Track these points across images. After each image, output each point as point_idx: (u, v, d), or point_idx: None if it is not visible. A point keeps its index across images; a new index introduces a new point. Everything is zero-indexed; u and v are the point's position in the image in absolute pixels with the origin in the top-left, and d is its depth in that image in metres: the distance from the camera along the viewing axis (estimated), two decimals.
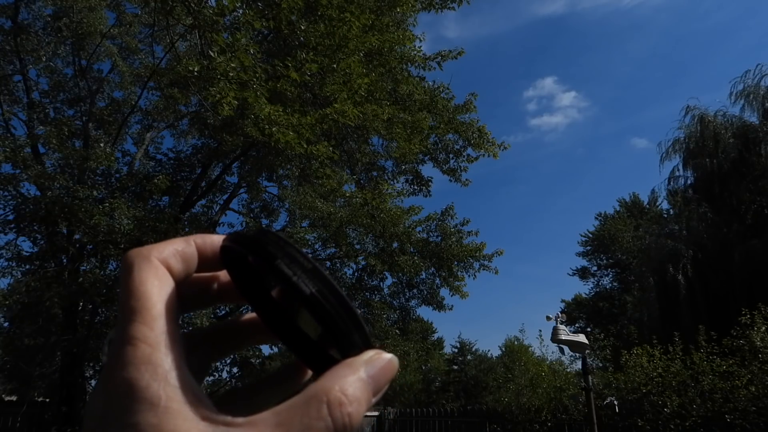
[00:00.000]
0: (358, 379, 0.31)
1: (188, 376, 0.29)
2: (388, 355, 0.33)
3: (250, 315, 0.41)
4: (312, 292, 0.32)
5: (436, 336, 35.63)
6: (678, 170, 19.82)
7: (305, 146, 6.75)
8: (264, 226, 14.94)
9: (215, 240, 0.36)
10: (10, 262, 11.58)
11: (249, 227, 13.53)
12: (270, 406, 0.42)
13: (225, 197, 14.92)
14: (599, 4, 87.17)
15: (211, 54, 5.80)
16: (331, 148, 7.46)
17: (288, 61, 6.33)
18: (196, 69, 5.93)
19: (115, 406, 0.27)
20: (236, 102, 6.05)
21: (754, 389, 9.27)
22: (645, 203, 33.93)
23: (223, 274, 0.39)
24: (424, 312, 38.58)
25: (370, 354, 0.33)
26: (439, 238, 14.01)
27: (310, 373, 0.41)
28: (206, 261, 0.36)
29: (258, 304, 0.38)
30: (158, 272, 0.32)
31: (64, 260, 11.67)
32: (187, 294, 0.36)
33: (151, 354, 0.28)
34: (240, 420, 0.28)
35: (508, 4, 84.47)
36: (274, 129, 6.33)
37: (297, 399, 0.29)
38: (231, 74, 5.82)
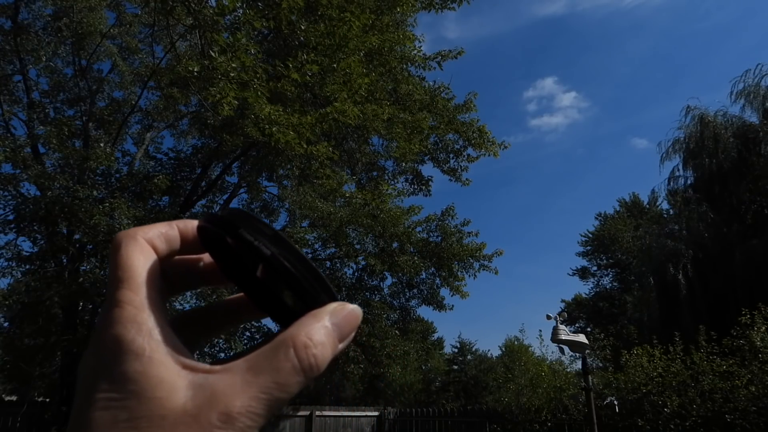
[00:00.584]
0: (322, 326, 0.33)
1: (170, 332, 0.32)
2: (351, 306, 0.36)
3: (236, 295, 0.44)
4: (273, 252, 0.34)
5: (436, 336, 35.63)
6: (678, 170, 19.84)
7: (305, 146, 6.75)
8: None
9: (195, 224, 0.39)
10: (10, 262, 11.60)
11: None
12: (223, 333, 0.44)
13: (225, 197, 14.93)
14: (599, 4, 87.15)
15: (212, 54, 5.79)
16: (331, 149, 7.46)
17: (289, 61, 6.33)
18: (196, 69, 5.92)
19: (105, 358, 0.30)
20: (236, 102, 6.05)
21: (754, 389, 9.27)
22: (645, 203, 33.95)
23: (207, 257, 0.42)
24: (424, 312, 38.56)
25: (334, 305, 0.35)
26: (440, 238, 14.02)
27: (253, 316, 0.44)
28: (188, 244, 0.39)
29: (243, 283, 0.41)
30: (143, 249, 0.35)
31: (64, 260, 11.67)
32: (174, 276, 0.40)
33: (136, 314, 0.31)
34: (217, 367, 0.31)
35: (508, 5, 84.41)
36: (274, 129, 6.33)
37: (266, 346, 0.32)
38: (232, 74, 5.82)
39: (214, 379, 0.30)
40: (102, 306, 0.33)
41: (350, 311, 0.36)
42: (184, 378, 0.30)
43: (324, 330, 0.33)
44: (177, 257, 0.40)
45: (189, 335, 0.41)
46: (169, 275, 0.38)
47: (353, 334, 0.36)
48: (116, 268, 0.34)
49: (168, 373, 0.30)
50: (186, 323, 0.42)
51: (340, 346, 0.35)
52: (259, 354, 0.31)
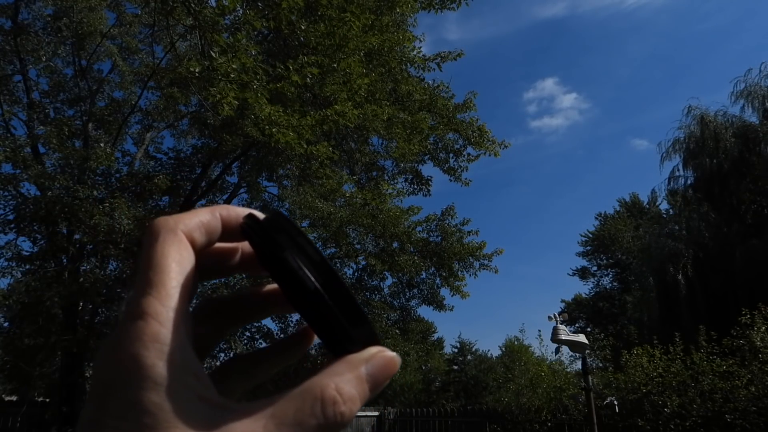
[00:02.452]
0: (356, 377, 0.31)
1: (193, 357, 0.30)
2: (391, 354, 0.33)
3: (271, 285, 0.41)
4: (317, 288, 0.32)
5: (436, 336, 35.64)
6: (678, 170, 19.83)
7: (305, 146, 6.75)
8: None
9: (239, 212, 0.37)
10: (10, 262, 11.59)
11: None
12: (267, 377, 0.42)
13: (225, 197, 14.93)
14: (600, 6, 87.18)
15: (213, 54, 5.80)
16: (331, 149, 7.46)
17: (290, 63, 6.33)
18: (197, 70, 5.93)
19: (120, 379, 0.28)
20: (236, 102, 6.06)
21: (754, 389, 9.27)
22: (645, 203, 33.96)
23: (245, 245, 0.39)
24: (425, 312, 38.54)
25: (373, 351, 0.33)
26: (440, 237, 14.02)
27: (313, 340, 0.42)
28: (229, 233, 0.37)
29: (279, 276, 0.38)
30: (181, 246, 0.33)
31: (64, 260, 11.67)
32: (208, 263, 0.37)
33: (160, 332, 0.29)
34: (238, 405, 0.29)
35: (508, 7, 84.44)
36: (273, 129, 6.33)
37: (294, 391, 0.30)
38: (232, 75, 5.83)
39: (233, 420, 0.28)
40: (126, 302, 0.31)
41: (389, 361, 0.33)
42: (201, 414, 0.28)
43: (356, 381, 0.31)
44: (214, 247, 0.37)
45: (217, 325, 0.40)
46: (201, 264, 0.35)
47: (386, 384, 0.33)
48: (148, 267, 0.31)
49: (185, 408, 0.27)
50: (214, 311, 0.40)
51: (370, 396, 0.32)
52: (285, 401, 0.29)
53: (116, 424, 0.27)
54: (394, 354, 0.33)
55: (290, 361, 0.42)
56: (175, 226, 0.33)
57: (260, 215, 0.36)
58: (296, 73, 6.20)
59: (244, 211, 0.37)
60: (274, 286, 0.41)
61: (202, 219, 0.35)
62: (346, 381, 0.30)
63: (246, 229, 0.36)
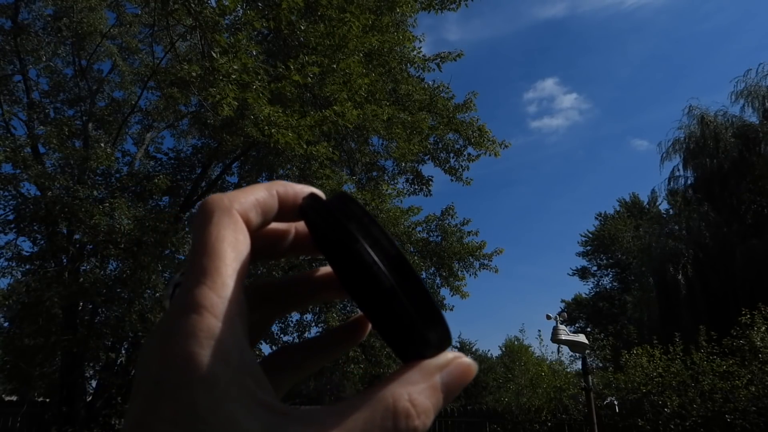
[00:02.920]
0: (431, 386, 0.28)
1: (251, 355, 0.28)
2: (468, 360, 0.30)
3: (326, 269, 0.38)
4: (392, 286, 0.29)
5: None
6: (678, 170, 19.84)
7: (305, 147, 6.75)
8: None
9: (297, 190, 0.34)
10: (10, 262, 11.59)
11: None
12: (317, 369, 0.39)
13: None
14: (600, 7, 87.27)
15: (213, 55, 5.79)
16: (330, 149, 7.46)
17: (290, 62, 6.33)
18: (198, 72, 5.93)
19: (172, 377, 0.25)
20: (236, 103, 6.06)
21: (754, 389, 9.27)
22: (645, 203, 33.95)
23: (300, 225, 0.37)
24: None
25: (449, 357, 0.30)
26: (440, 237, 14.01)
27: (367, 331, 0.39)
28: (286, 212, 0.34)
29: (336, 260, 0.34)
30: (236, 228, 0.30)
31: (64, 260, 11.66)
32: (260, 244, 0.34)
33: (215, 327, 0.26)
34: (299, 412, 0.27)
35: (509, 8, 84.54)
36: (273, 130, 6.33)
37: (362, 401, 0.27)
38: (234, 76, 5.82)
39: (295, 430, 0.26)
40: (177, 284, 0.28)
41: (466, 368, 0.30)
42: (258, 420, 0.25)
43: (431, 391, 0.28)
44: (267, 228, 0.35)
45: (266, 311, 0.38)
46: (254, 244, 0.32)
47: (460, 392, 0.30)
48: (203, 252, 0.28)
49: (242, 413, 0.25)
50: (264, 298, 0.38)
51: (443, 405, 0.29)
52: (353, 411, 0.27)
53: (167, 428, 0.24)
54: (472, 361, 0.31)
55: (342, 352, 0.40)
56: (230, 206, 0.31)
57: (322, 195, 0.34)
58: (297, 73, 6.20)
59: (304, 188, 0.34)
60: (328, 269, 0.38)
61: (259, 197, 0.32)
62: (421, 391, 0.28)
63: (308, 211, 0.33)
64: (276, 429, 0.25)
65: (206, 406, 0.25)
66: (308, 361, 0.39)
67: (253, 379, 0.27)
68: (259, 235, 0.34)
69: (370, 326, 0.38)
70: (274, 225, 0.35)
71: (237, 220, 0.30)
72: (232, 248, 0.29)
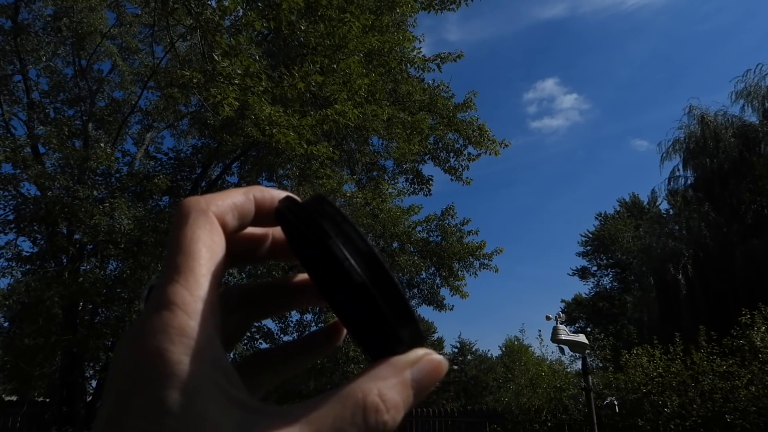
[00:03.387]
0: (400, 382, 0.28)
1: (222, 353, 0.28)
2: (438, 357, 0.30)
3: (302, 276, 0.38)
4: (364, 281, 0.29)
5: (436, 336, 35.63)
6: (678, 170, 19.84)
7: (305, 146, 6.75)
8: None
9: (274, 195, 0.34)
10: (10, 262, 11.59)
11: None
12: (294, 373, 0.39)
13: None
14: (600, 8, 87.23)
15: (215, 57, 5.79)
16: (331, 149, 7.46)
17: (294, 70, 6.33)
18: (198, 77, 5.93)
19: (143, 375, 0.25)
20: (237, 103, 6.06)
21: (754, 389, 9.27)
22: (645, 203, 33.93)
23: (277, 231, 0.37)
24: (425, 312, 38.57)
25: (419, 353, 0.30)
26: (440, 237, 14.02)
27: (343, 335, 0.39)
28: (262, 216, 0.34)
29: (313, 266, 0.34)
30: (212, 229, 0.30)
31: (64, 260, 11.66)
32: (237, 249, 0.35)
33: (187, 324, 0.26)
34: (271, 409, 0.27)
35: (509, 9, 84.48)
36: (274, 130, 6.33)
37: (333, 396, 0.27)
38: (236, 81, 5.82)
39: (265, 426, 0.26)
40: (152, 286, 0.29)
41: (437, 365, 0.30)
42: (229, 416, 0.25)
43: (401, 387, 0.28)
44: (243, 233, 0.35)
45: (243, 316, 0.38)
46: (230, 248, 0.33)
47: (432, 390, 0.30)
48: (177, 251, 0.29)
49: (213, 410, 0.25)
50: (243, 299, 0.38)
51: (414, 403, 0.29)
52: (323, 406, 0.27)
53: (137, 424, 0.24)
54: (442, 357, 0.30)
55: (319, 358, 0.40)
56: (207, 208, 0.31)
57: (298, 198, 0.34)
58: (301, 81, 6.19)
59: (281, 193, 0.34)
60: (305, 276, 0.38)
61: (236, 201, 0.33)
62: (390, 386, 0.28)
63: (283, 212, 0.33)
64: (247, 425, 0.25)
65: (176, 401, 0.24)
66: (285, 365, 0.39)
67: (225, 376, 0.27)
68: (236, 239, 0.34)
69: (345, 332, 0.38)
70: (251, 229, 0.36)
71: (213, 222, 0.31)
72: (207, 248, 0.29)
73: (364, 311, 0.29)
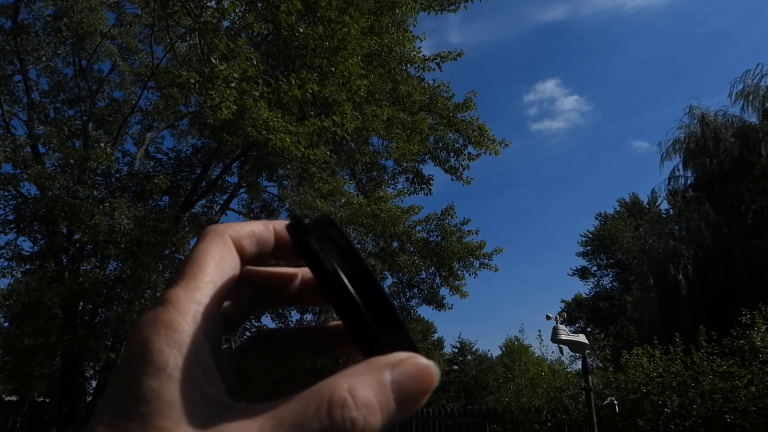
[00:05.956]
0: (376, 380, 0.26)
1: (206, 352, 0.28)
2: (425, 361, 0.28)
3: (337, 323, 0.37)
4: (335, 269, 0.28)
5: (436, 336, 35.62)
6: (678, 170, 19.83)
7: (303, 150, 6.75)
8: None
9: None
10: (10, 262, 11.60)
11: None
12: (299, 366, 0.40)
13: (225, 197, 14.92)
14: (600, 10, 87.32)
15: (213, 61, 5.78)
16: (328, 152, 7.46)
17: (292, 77, 6.32)
18: (196, 80, 5.93)
19: (128, 362, 0.27)
20: (235, 107, 6.05)
21: (754, 389, 9.26)
22: (645, 203, 33.91)
23: (305, 272, 0.37)
24: (425, 312, 38.53)
25: (402, 355, 0.28)
26: (440, 237, 14.02)
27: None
28: (284, 248, 0.35)
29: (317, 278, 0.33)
30: (224, 248, 0.32)
31: (64, 260, 11.67)
32: (264, 288, 0.36)
33: (176, 319, 0.27)
34: (240, 405, 0.27)
35: (510, 11, 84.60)
36: (270, 135, 6.33)
37: (303, 392, 0.27)
38: (233, 85, 5.81)
39: (229, 420, 0.25)
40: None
41: (422, 369, 0.28)
42: (198, 409, 0.25)
43: (377, 385, 0.26)
44: (271, 270, 0.36)
45: (270, 357, 0.38)
46: (258, 286, 0.35)
47: (423, 400, 0.28)
48: (187, 262, 0.31)
49: (183, 399, 0.25)
50: (269, 342, 0.38)
51: (398, 412, 0.27)
52: (290, 402, 0.26)
53: (113, 410, 0.25)
54: (431, 362, 0.28)
55: (327, 358, 0.39)
56: (224, 231, 0.33)
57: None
58: (298, 89, 6.19)
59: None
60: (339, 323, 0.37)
61: (254, 229, 0.34)
62: (363, 383, 0.26)
63: (288, 229, 0.34)
64: (212, 419, 0.25)
65: (150, 387, 0.25)
66: (287, 356, 0.38)
67: (203, 372, 0.27)
68: (263, 276, 0.36)
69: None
70: (279, 269, 0.37)
71: (228, 243, 0.33)
72: (216, 263, 0.31)
73: (342, 306, 0.29)
